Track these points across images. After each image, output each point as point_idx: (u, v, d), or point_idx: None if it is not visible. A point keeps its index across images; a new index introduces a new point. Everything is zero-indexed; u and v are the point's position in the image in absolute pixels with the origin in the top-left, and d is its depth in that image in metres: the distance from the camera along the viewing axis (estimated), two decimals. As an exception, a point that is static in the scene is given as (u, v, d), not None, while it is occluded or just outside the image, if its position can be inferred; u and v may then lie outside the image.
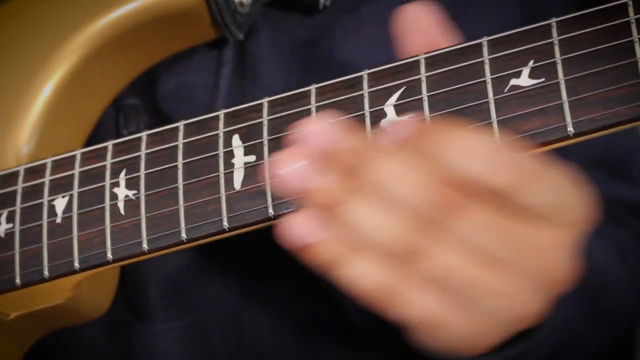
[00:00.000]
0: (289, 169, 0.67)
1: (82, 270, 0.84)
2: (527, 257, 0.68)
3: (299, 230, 0.69)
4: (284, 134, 0.79)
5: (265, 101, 0.81)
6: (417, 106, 0.76)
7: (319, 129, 0.67)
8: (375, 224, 0.67)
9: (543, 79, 0.73)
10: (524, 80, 0.73)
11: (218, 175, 0.81)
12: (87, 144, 0.97)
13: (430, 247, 0.67)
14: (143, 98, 1.03)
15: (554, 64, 0.73)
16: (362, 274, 0.68)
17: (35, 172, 0.88)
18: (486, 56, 0.75)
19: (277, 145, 0.79)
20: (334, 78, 0.98)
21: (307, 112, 0.79)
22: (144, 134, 0.85)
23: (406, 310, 0.69)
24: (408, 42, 0.77)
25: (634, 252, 1.09)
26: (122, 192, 0.84)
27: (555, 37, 0.73)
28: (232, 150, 0.81)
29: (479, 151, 0.65)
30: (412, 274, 0.68)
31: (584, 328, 0.97)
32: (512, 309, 0.69)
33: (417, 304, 0.69)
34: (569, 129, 0.72)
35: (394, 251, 0.67)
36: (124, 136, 0.99)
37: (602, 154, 1.07)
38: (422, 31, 0.76)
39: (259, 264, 1.05)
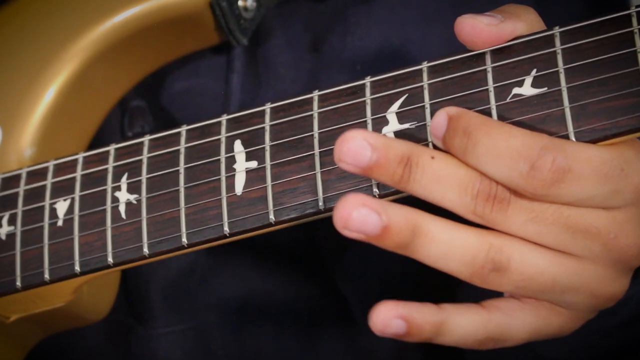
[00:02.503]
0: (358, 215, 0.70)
1: (82, 273, 0.84)
2: (588, 240, 0.71)
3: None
4: (285, 140, 0.79)
5: (267, 107, 0.81)
6: (419, 114, 0.76)
7: (358, 144, 0.71)
8: (451, 249, 0.72)
9: (545, 88, 0.73)
10: (527, 89, 0.73)
11: (219, 180, 0.81)
12: (91, 146, 0.97)
13: (510, 260, 0.72)
14: (148, 100, 1.03)
15: (557, 73, 0.73)
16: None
17: (37, 174, 0.88)
18: (489, 65, 0.75)
19: (279, 150, 0.79)
20: (346, 64, 0.98)
21: (310, 119, 0.79)
22: (146, 138, 0.85)
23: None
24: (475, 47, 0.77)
25: None
26: (123, 195, 0.84)
27: (558, 47, 0.73)
28: (233, 156, 0.81)
29: (508, 157, 0.69)
30: (499, 287, 0.72)
31: None
32: (593, 296, 0.73)
33: (519, 327, 0.74)
34: (571, 139, 0.72)
35: (474, 273, 0.72)
36: (129, 137, 0.99)
37: None
38: (483, 42, 0.75)
39: (260, 267, 1.05)
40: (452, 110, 0.72)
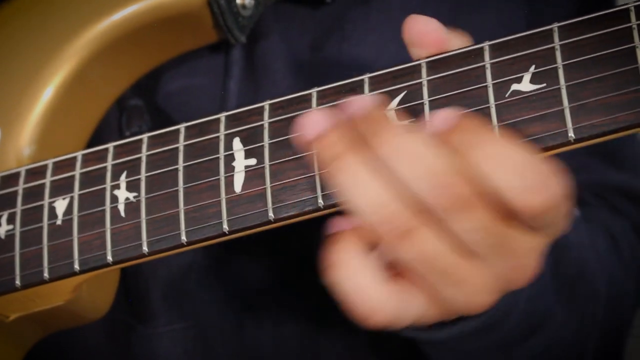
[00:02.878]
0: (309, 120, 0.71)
1: (82, 272, 0.84)
2: (506, 258, 0.71)
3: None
4: (284, 137, 0.79)
5: (266, 104, 0.81)
6: (418, 110, 0.76)
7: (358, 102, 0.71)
8: (364, 191, 0.70)
9: (544, 84, 0.73)
10: (525, 85, 0.73)
11: (219, 179, 0.81)
12: (89, 144, 0.97)
13: (419, 231, 0.70)
14: (146, 99, 1.03)
15: (556, 69, 0.73)
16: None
17: (36, 173, 0.88)
18: (487, 61, 0.75)
19: (277, 148, 0.79)
20: (345, 69, 0.99)
21: (308, 116, 0.79)
22: (145, 136, 0.85)
23: (400, 323, 0.73)
24: (416, 51, 0.77)
25: (627, 238, 1.10)
26: (122, 194, 0.84)
27: (556, 43, 0.73)
28: (232, 154, 0.81)
29: (513, 166, 0.68)
30: (394, 250, 0.71)
31: (559, 311, 0.98)
32: (468, 300, 0.73)
33: (411, 312, 0.73)
34: (569, 135, 0.72)
35: (381, 223, 0.70)
36: (127, 137, 0.99)
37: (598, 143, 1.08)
38: (427, 45, 0.76)
39: (260, 266, 1.05)
40: (458, 112, 0.71)
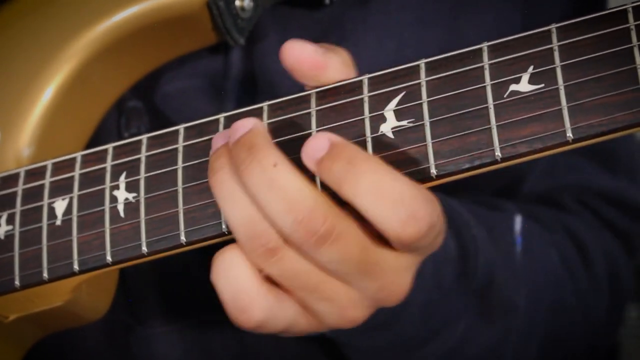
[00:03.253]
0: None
1: (81, 272, 0.84)
2: (371, 280, 0.74)
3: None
4: (284, 138, 0.79)
5: (265, 105, 0.81)
6: (417, 111, 0.76)
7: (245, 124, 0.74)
8: (234, 207, 0.74)
9: (542, 85, 0.73)
10: (524, 85, 0.74)
11: (218, 179, 0.81)
12: (88, 146, 0.97)
13: (285, 250, 0.73)
14: (145, 101, 1.03)
15: (554, 69, 0.73)
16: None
17: (35, 174, 0.88)
18: (486, 62, 0.75)
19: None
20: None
21: (307, 116, 0.79)
22: (144, 137, 0.85)
23: (273, 326, 0.76)
24: (298, 78, 0.79)
25: (604, 251, 1.10)
26: (122, 194, 0.84)
27: (555, 43, 0.73)
28: None
29: (385, 199, 0.70)
30: (264, 266, 0.74)
31: (463, 318, 1.00)
32: (341, 315, 0.75)
33: (283, 317, 0.76)
34: (568, 135, 0.72)
35: (250, 238, 0.73)
36: (125, 138, 0.99)
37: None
38: (307, 69, 0.78)
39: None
40: (336, 137, 0.72)
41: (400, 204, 0.70)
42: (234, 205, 0.73)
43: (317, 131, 0.78)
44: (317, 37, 1.03)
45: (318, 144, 0.72)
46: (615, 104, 0.71)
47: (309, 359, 1.06)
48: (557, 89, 0.72)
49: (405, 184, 0.71)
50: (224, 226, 0.80)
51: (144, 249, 0.82)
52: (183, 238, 0.81)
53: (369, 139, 0.77)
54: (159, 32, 0.95)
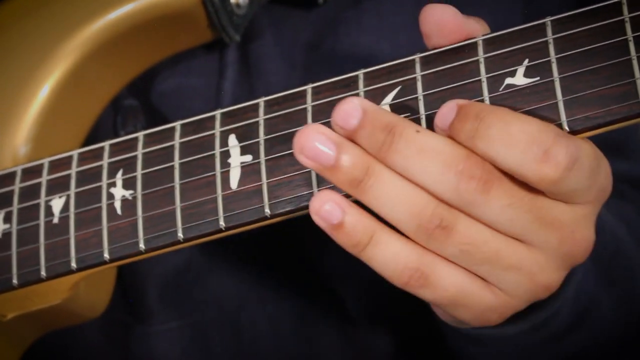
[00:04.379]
0: (315, 143, 0.72)
1: (79, 270, 0.84)
2: (549, 232, 0.72)
3: (326, 209, 0.73)
4: (280, 133, 0.80)
5: (261, 101, 0.81)
6: (412, 105, 0.76)
7: (352, 106, 0.72)
8: (400, 198, 0.71)
9: (538, 78, 0.73)
10: (519, 79, 0.74)
11: (214, 175, 0.81)
12: (84, 145, 0.97)
13: (458, 221, 0.71)
14: (141, 99, 1.03)
15: (549, 62, 0.73)
16: (392, 254, 0.73)
17: (32, 172, 0.88)
18: (481, 55, 0.75)
19: (273, 144, 0.79)
20: (338, 71, 0.99)
21: (304, 112, 0.79)
22: (140, 134, 0.85)
23: (436, 290, 0.73)
24: (434, 41, 0.77)
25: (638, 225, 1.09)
26: (118, 192, 0.84)
27: (550, 36, 0.73)
28: (228, 150, 0.81)
29: (513, 142, 0.69)
30: (441, 249, 0.72)
31: (602, 295, 0.97)
32: (532, 281, 0.73)
33: (446, 282, 0.73)
34: (564, 127, 0.72)
35: (421, 226, 0.71)
36: (122, 136, 0.99)
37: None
38: (448, 32, 0.76)
39: (257, 264, 1.05)
40: (462, 100, 0.72)
41: (532, 144, 0.69)
42: (396, 199, 0.72)
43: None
44: (311, 36, 1.03)
45: (447, 110, 0.72)
46: (611, 96, 0.71)
47: (307, 356, 1.06)
48: (553, 81, 0.72)
49: (534, 123, 0.70)
50: (222, 223, 0.80)
51: (142, 246, 0.82)
52: (180, 235, 0.81)
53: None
54: (155, 29, 0.95)
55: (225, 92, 1.01)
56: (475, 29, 0.76)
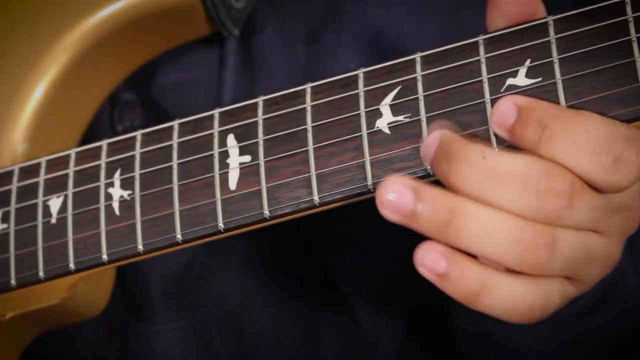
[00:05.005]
0: (392, 195, 0.70)
1: (77, 271, 0.84)
2: (617, 217, 0.72)
3: (429, 263, 0.70)
4: (279, 133, 0.79)
5: (260, 100, 0.80)
6: (413, 106, 0.75)
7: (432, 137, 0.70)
8: (496, 230, 0.69)
9: (540, 79, 0.72)
10: (521, 79, 0.73)
11: (213, 176, 0.80)
12: (82, 141, 0.96)
13: (556, 234, 0.69)
14: (139, 93, 1.03)
15: (551, 63, 0.72)
16: (512, 295, 0.71)
17: (29, 171, 0.88)
18: (482, 55, 0.74)
19: (272, 145, 0.79)
20: (341, 60, 0.98)
21: (303, 112, 0.78)
22: (138, 133, 0.84)
23: (548, 312, 0.73)
24: (499, 12, 0.74)
25: None
26: (116, 192, 0.83)
27: (552, 36, 0.72)
28: (227, 150, 0.80)
29: (582, 150, 0.68)
30: (547, 269, 0.70)
31: (629, 266, 0.96)
32: (607, 265, 0.74)
33: (555, 302, 0.73)
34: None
35: (527, 251, 0.69)
36: (119, 131, 0.98)
37: None
38: (517, 6, 0.74)
39: (261, 264, 1.05)
40: (521, 99, 0.70)
41: (600, 152, 0.67)
42: (492, 232, 0.69)
43: (316, 125, 0.77)
44: (315, 25, 1.02)
45: (505, 111, 0.70)
46: (614, 97, 0.70)
47: (309, 357, 1.06)
48: (555, 82, 0.71)
49: (599, 127, 0.68)
50: (220, 225, 0.79)
51: (140, 247, 0.82)
52: (179, 236, 0.80)
53: (364, 135, 0.76)
54: (152, 24, 0.94)
55: (226, 82, 1.01)
56: (542, 10, 0.74)
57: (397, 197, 0.69)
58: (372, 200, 0.75)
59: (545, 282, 0.72)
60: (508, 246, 0.69)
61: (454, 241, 0.70)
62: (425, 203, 0.69)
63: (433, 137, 0.71)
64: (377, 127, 0.76)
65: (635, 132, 0.69)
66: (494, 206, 0.69)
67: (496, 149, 0.70)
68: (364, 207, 0.77)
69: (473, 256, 0.71)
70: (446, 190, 0.70)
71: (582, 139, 0.68)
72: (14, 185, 0.88)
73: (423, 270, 0.70)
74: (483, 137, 0.72)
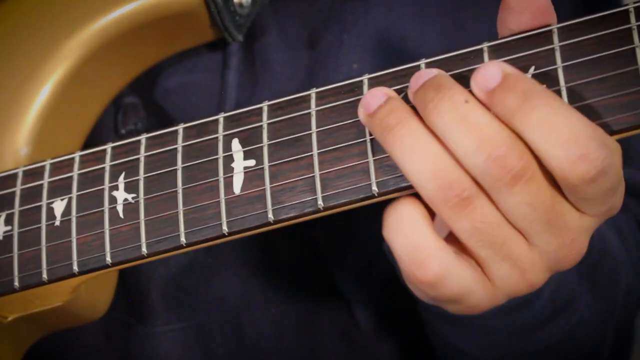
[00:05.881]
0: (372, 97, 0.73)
1: (81, 273, 0.84)
2: (553, 235, 0.72)
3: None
4: (283, 138, 0.79)
5: (265, 105, 0.81)
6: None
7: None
8: (426, 154, 0.70)
9: (544, 86, 0.72)
10: (525, 86, 0.73)
11: (217, 180, 0.80)
12: (86, 144, 0.97)
13: (478, 198, 0.70)
14: (142, 97, 1.03)
15: (555, 70, 0.72)
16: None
17: (33, 174, 0.88)
18: (487, 61, 0.75)
19: (277, 149, 0.79)
20: (344, 61, 0.98)
21: (307, 117, 0.79)
22: (143, 137, 0.84)
23: (446, 286, 0.72)
24: (512, 17, 0.75)
25: (632, 233, 1.09)
26: (121, 195, 0.84)
27: (556, 43, 0.73)
28: (231, 155, 0.80)
29: (564, 137, 0.68)
30: (454, 220, 0.71)
31: (583, 294, 0.98)
32: (522, 277, 0.73)
33: (459, 278, 0.72)
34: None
35: (442, 189, 0.70)
36: (122, 135, 0.99)
37: None
38: (532, 13, 0.74)
39: (262, 265, 1.05)
40: (509, 68, 0.70)
41: (573, 143, 0.68)
42: (422, 155, 0.70)
43: (321, 130, 0.78)
44: (317, 27, 1.02)
45: (490, 73, 0.70)
46: (618, 105, 0.71)
47: (309, 357, 1.06)
48: (559, 90, 0.72)
49: (581, 122, 0.68)
50: (224, 228, 0.79)
51: (144, 250, 0.82)
52: (183, 239, 0.81)
53: (369, 140, 0.76)
54: (157, 29, 0.94)
55: (229, 82, 1.01)
56: (554, 18, 0.74)
57: (371, 97, 0.73)
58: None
59: (453, 256, 0.72)
60: (427, 174, 0.70)
61: (387, 144, 0.72)
62: (386, 106, 0.72)
63: (430, 70, 0.72)
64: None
65: (613, 143, 0.70)
66: (445, 142, 0.70)
67: (480, 105, 0.71)
68: (364, 207, 0.78)
69: None
70: (409, 109, 0.72)
71: (562, 124, 0.68)
72: (18, 188, 0.88)
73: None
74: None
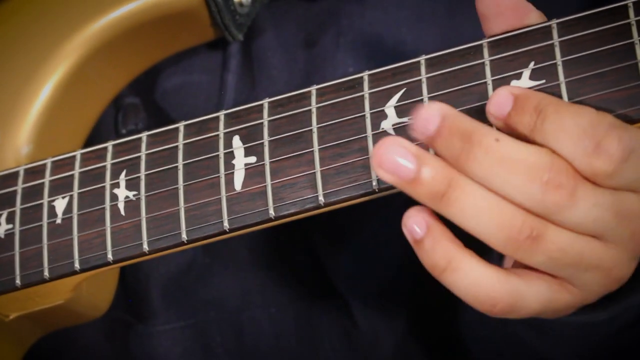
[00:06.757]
0: (395, 157, 0.69)
1: (82, 271, 0.84)
2: (624, 225, 0.71)
3: (410, 226, 0.71)
4: (284, 135, 0.79)
5: (265, 102, 0.81)
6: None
7: (431, 111, 0.69)
8: (487, 211, 0.69)
9: (544, 81, 0.73)
10: (525, 81, 0.73)
11: (219, 177, 0.81)
12: (86, 144, 0.97)
13: (547, 230, 0.70)
14: (143, 97, 1.03)
15: (555, 65, 0.73)
16: (475, 282, 0.71)
17: (35, 172, 0.88)
18: (486, 58, 0.75)
19: (277, 146, 0.79)
20: (340, 64, 0.98)
21: (308, 113, 0.79)
22: (144, 135, 0.85)
23: (521, 312, 0.73)
24: (492, 24, 0.75)
25: None
26: (122, 193, 0.84)
27: (556, 39, 0.73)
28: (232, 152, 0.81)
29: (575, 134, 0.68)
30: (528, 259, 0.70)
31: None
32: (608, 277, 0.73)
33: (531, 301, 0.72)
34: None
35: (511, 238, 0.69)
36: (123, 135, 0.99)
37: None
38: (506, 13, 0.75)
39: (261, 265, 1.05)
40: (517, 89, 0.71)
41: (583, 136, 0.68)
42: (481, 214, 0.69)
43: (321, 126, 0.78)
44: (314, 29, 1.02)
45: (502, 100, 0.70)
46: (617, 99, 0.71)
47: (308, 357, 1.06)
48: (559, 84, 0.72)
49: (588, 114, 0.69)
50: (226, 225, 0.80)
51: (145, 247, 0.82)
52: (184, 236, 0.81)
53: (369, 136, 0.77)
54: (157, 28, 0.95)
55: (228, 84, 1.01)
56: (535, 13, 0.74)
57: (398, 160, 0.70)
58: (371, 200, 0.77)
59: (518, 280, 0.72)
60: (493, 228, 0.70)
61: (444, 210, 0.70)
62: (428, 170, 0.69)
63: (432, 111, 0.70)
64: (382, 129, 0.76)
65: (621, 123, 0.70)
66: (496, 190, 0.69)
67: (509, 137, 0.70)
68: (362, 206, 0.78)
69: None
70: (446, 162, 0.70)
71: (570, 124, 0.69)
72: (19, 187, 0.88)
73: (405, 231, 0.71)
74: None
